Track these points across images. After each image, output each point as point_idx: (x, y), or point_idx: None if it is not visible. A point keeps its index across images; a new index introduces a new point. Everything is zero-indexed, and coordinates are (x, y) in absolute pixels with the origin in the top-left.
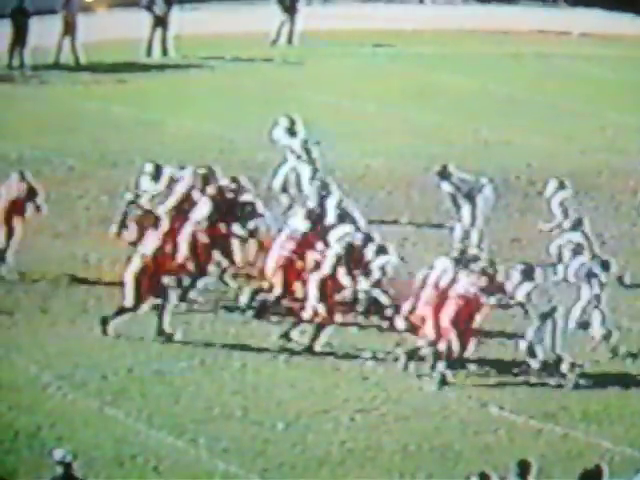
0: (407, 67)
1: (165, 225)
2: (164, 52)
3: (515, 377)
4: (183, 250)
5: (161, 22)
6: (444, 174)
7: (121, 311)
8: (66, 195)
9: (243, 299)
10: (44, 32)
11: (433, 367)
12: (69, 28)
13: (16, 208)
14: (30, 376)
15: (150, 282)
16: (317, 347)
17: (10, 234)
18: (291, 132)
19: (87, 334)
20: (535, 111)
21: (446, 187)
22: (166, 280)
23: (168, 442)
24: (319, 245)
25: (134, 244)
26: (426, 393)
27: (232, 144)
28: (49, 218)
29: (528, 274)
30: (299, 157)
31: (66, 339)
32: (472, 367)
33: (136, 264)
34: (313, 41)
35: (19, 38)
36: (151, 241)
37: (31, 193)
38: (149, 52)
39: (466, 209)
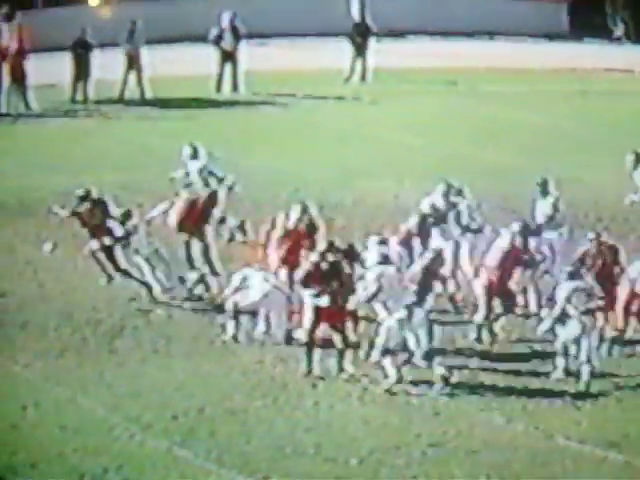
0: (478, 105)
1: None
2: (234, 88)
3: (579, 407)
4: None
5: (230, 57)
6: (545, 188)
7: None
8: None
9: None
10: (108, 65)
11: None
12: (133, 62)
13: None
14: (97, 418)
15: None
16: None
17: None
18: (193, 158)
19: (157, 374)
20: (603, 148)
21: (545, 203)
22: None
23: None
24: None
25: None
26: (495, 426)
27: (306, 182)
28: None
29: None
30: (196, 182)
31: (135, 380)
32: (539, 398)
33: None
34: (386, 78)
35: (81, 71)
36: None
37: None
38: (219, 88)
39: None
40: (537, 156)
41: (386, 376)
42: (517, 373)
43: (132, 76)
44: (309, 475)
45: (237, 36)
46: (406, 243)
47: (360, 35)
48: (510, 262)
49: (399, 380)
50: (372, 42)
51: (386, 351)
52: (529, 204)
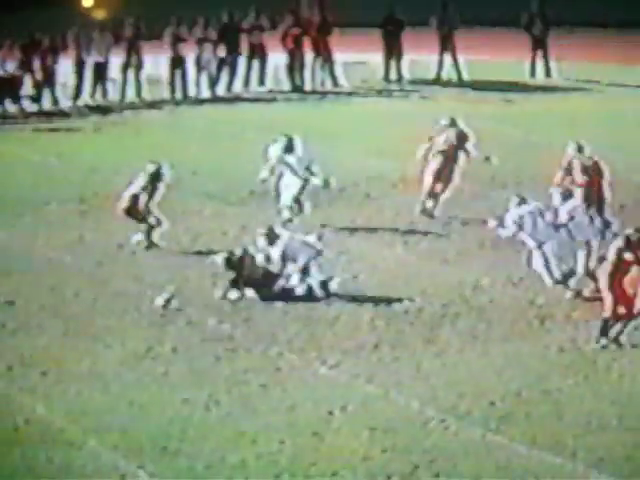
0: None
1: None
2: (547, 74)
3: None
4: None
5: (540, 43)
6: None
7: None
8: (453, 218)
9: None
10: (422, 45)
11: None
12: (448, 44)
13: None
14: (410, 414)
15: None
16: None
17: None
18: (288, 150)
19: (476, 361)
20: None
21: None
22: None
23: (547, 460)
24: None
25: None
26: None
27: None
28: (437, 242)
29: None
30: (295, 173)
31: (452, 369)
32: None
33: None
34: None
35: (393, 50)
36: None
37: (462, 140)
38: (532, 73)
39: None
40: None
41: None
42: None
43: (446, 57)
44: (610, 447)
45: (546, 22)
46: None
47: None
48: None
49: None
50: None
51: None
52: None
